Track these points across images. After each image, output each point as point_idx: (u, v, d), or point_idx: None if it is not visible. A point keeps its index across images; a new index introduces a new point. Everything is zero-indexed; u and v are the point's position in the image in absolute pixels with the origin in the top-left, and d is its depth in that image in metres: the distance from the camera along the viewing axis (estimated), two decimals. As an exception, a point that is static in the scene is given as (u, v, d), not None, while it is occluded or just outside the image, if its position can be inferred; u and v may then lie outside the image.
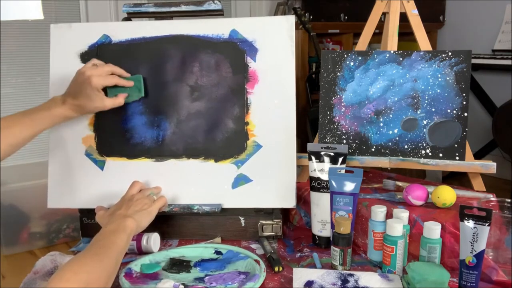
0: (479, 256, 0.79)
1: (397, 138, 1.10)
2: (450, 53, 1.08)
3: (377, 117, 1.11)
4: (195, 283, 0.85)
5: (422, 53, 1.09)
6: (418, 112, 1.09)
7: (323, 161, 1.02)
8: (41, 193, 1.13)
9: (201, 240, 1.05)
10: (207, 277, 0.87)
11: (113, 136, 1.08)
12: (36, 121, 0.97)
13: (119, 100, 1.02)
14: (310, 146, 1.04)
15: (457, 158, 1.07)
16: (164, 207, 1.01)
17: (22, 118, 0.97)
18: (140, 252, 0.98)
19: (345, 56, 1.12)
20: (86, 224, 1.08)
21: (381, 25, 1.19)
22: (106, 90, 1.02)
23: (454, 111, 1.07)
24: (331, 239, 0.94)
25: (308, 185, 1.05)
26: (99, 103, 0.99)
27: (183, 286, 0.81)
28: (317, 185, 1.02)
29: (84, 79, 0.97)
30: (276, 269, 0.90)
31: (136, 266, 0.90)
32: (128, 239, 0.84)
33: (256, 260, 0.91)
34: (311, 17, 2.96)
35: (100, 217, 0.93)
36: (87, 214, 1.07)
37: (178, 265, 0.92)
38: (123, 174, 1.06)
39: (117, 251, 0.79)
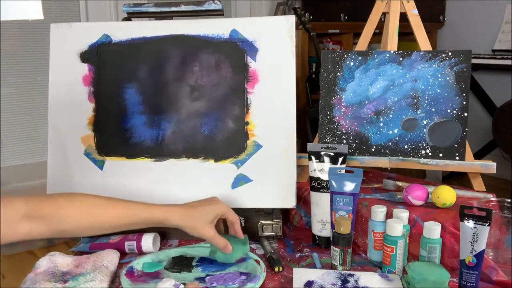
0: (479, 256, 0.79)
1: (397, 138, 1.10)
2: (450, 53, 1.08)
3: (377, 117, 1.11)
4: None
5: (422, 53, 1.09)
6: (418, 112, 1.09)
7: (323, 161, 1.02)
8: (41, 193, 1.13)
9: (201, 240, 1.05)
10: (208, 277, 0.87)
11: (113, 135, 1.08)
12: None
13: (227, 247, 0.89)
14: (310, 146, 1.04)
15: (457, 158, 1.07)
16: None
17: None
18: (140, 252, 0.98)
19: (345, 56, 1.12)
20: (86, 224, 1.08)
21: (381, 25, 1.19)
22: None
23: (454, 111, 1.07)
24: (331, 239, 0.94)
25: (308, 185, 1.05)
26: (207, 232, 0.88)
27: (183, 286, 0.81)
28: (317, 185, 1.02)
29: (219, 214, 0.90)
30: (276, 269, 0.90)
31: (138, 264, 0.90)
32: None
33: (256, 260, 0.91)
34: (311, 17, 2.96)
35: None
36: (87, 214, 1.07)
37: (179, 264, 0.92)
38: (123, 173, 1.06)
39: None
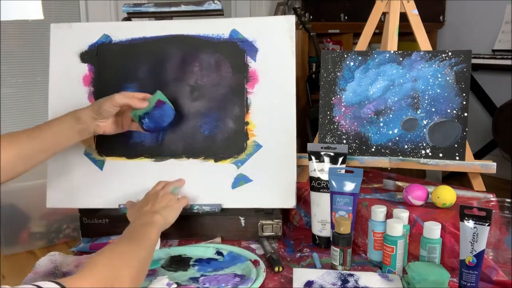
0: (479, 256, 0.79)
1: (397, 138, 1.10)
2: (450, 53, 1.08)
3: (377, 117, 1.11)
4: (189, 282, 0.85)
5: (422, 53, 1.09)
6: (418, 112, 1.09)
7: (323, 161, 1.02)
8: (41, 193, 1.13)
9: (201, 240, 1.05)
10: (202, 277, 0.87)
11: (113, 135, 1.08)
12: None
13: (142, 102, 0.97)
14: (310, 146, 1.04)
15: (457, 158, 1.07)
16: (187, 206, 1.01)
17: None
18: (140, 252, 0.98)
19: (345, 56, 1.12)
20: (86, 224, 1.08)
21: (381, 25, 1.19)
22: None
23: (454, 111, 1.07)
24: (331, 239, 0.94)
25: (308, 185, 1.05)
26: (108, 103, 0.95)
27: (175, 285, 0.81)
28: (317, 185, 1.02)
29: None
30: (276, 269, 0.90)
31: None
32: (158, 234, 0.84)
33: (255, 261, 0.90)
34: (311, 17, 2.96)
35: (128, 213, 0.94)
36: (87, 214, 1.07)
37: (176, 263, 0.92)
38: (123, 174, 1.06)
39: (149, 243, 0.79)
